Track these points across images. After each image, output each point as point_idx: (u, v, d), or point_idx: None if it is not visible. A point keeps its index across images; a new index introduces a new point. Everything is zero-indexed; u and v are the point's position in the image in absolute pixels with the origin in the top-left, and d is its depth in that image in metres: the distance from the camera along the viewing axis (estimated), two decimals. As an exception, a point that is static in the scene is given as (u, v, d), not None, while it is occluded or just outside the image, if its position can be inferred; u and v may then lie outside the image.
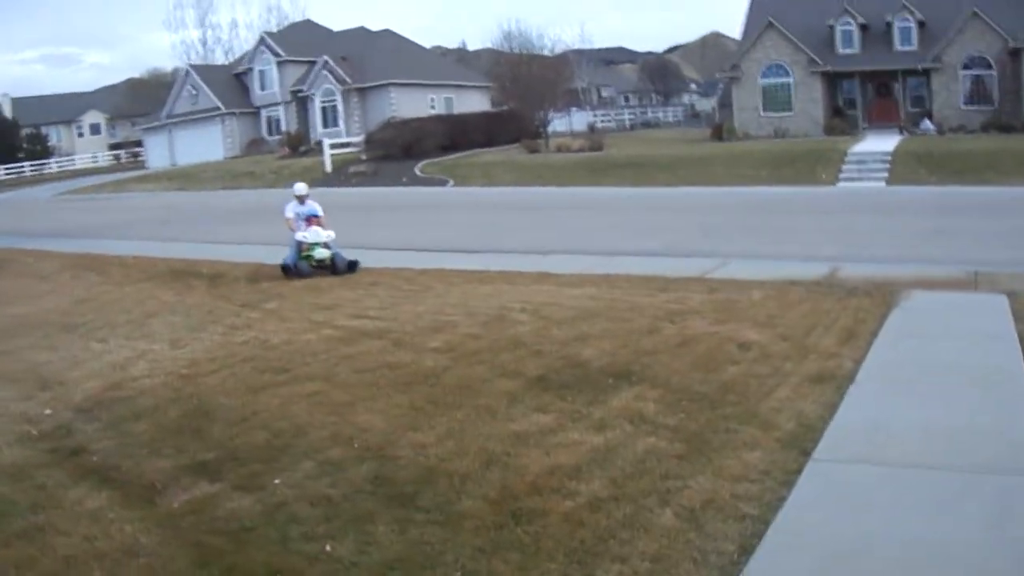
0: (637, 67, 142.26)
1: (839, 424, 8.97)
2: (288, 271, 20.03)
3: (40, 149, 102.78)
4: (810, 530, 6.85)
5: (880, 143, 46.61)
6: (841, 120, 58.56)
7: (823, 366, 10.94)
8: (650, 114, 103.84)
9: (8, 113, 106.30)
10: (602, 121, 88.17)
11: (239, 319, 15.84)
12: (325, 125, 73.50)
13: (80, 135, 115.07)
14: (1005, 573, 6.27)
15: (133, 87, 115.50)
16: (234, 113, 79.40)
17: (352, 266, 20.22)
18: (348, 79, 72.54)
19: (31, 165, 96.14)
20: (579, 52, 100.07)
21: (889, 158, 42.16)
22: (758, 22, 61.83)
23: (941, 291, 15.42)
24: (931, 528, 6.79)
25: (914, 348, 11.92)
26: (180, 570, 6.83)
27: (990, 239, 21.34)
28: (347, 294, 17.58)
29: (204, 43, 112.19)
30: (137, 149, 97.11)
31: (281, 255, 20.73)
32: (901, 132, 53.82)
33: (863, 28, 60.30)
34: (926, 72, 57.83)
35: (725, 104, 71.50)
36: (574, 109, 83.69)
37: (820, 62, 59.44)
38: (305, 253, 20.17)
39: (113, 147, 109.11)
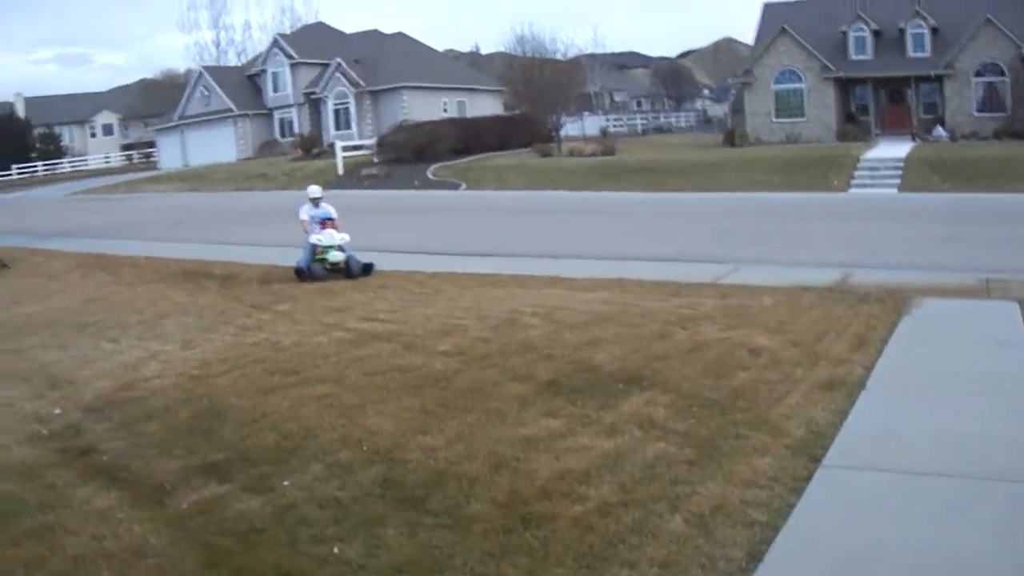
0: (650, 72, 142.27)
1: (849, 431, 8.94)
2: (302, 274, 19.96)
3: (53, 149, 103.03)
4: (820, 537, 6.83)
5: (892, 149, 46.54)
6: (853, 126, 58.49)
7: (834, 372, 10.92)
8: (662, 119, 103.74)
9: (21, 113, 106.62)
10: (614, 126, 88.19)
11: (250, 320, 15.86)
12: (338, 127, 73.60)
13: (93, 135, 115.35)
14: (1015, 582, 6.26)
15: (146, 88, 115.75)
16: (247, 115, 79.52)
17: (367, 269, 20.15)
18: (361, 81, 72.64)
19: (44, 165, 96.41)
20: (592, 56, 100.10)
21: (901, 164, 42.11)
22: (771, 28, 61.80)
23: (953, 298, 15.38)
24: (941, 535, 6.77)
25: (925, 355, 11.88)
26: (189, 571, 6.83)
27: (1002, 246, 21.27)
28: (358, 297, 17.59)
29: (217, 44, 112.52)
30: (149, 150, 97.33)
31: (293, 257, 20.75)
32: (913, 139, 53.72)
33: (876, 34, 60.23)
34: (939, 79, 57.77)
35: (737, 109, 71.52)
36: (586, 113, 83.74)
37: (833, 68, 59.38)
38: (319, 256, 20.08)
39: (126, 148, 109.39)
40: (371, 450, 8.92)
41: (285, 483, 8.23)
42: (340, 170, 56.94)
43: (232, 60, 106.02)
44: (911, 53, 59.28)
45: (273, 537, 7.23)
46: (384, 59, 75.23)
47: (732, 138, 60.41)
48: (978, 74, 56.54)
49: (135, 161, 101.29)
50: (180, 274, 21.61)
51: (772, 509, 7.26)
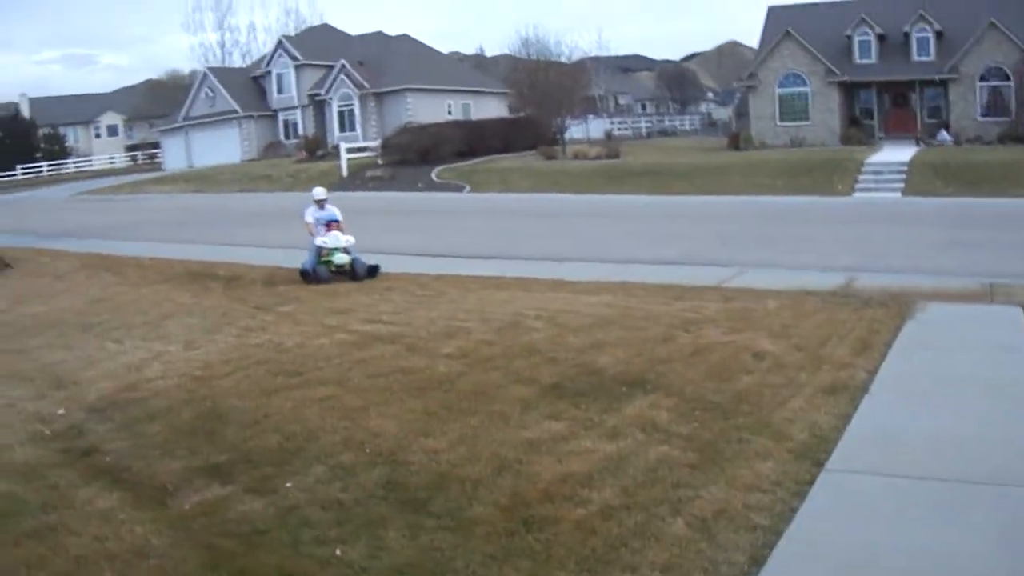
0: (654, 75, 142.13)
1: (852, 435, 8.94)
2: (307, 276, 19.92)
3: (57, 149, 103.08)
4: (822, 541, 6.83)
5: (897, 153, 46.51)
6: (858, 130, 58.46)
7: (837, 377, 10.91)
8: (667, 122, 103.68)
9: (26, 113, 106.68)
10: (619, 128, 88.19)
11: (254, 322, 15.87)
12: (342, 129, 73.62)
13: (97, 136, 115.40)
14: (1018, 587, 6.26)
15: (151, 89, 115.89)
16: (251, 116, 79.58)
17: (373, 271, 20.12)
18: (365, 83, 72.68)
19: (48, 165, 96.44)
20: (596, 59, 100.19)
21: (905, 169, 42.05)
22: (775, 31, 61.77)
23: (956, 303, 15.37)
24: (944, 540, 6.77)
25: (928, 360, 11.88)
26: (191, 572, 6.84)
27: (1006, 251, 21.26)
28: (362, 299, 17.59)
29: (222, 46, 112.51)
30: (154, 151, 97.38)
31: (297, 258, 20.76)
32: (918, 143, 53.66)
33: (880, 38, 60.17)
34: (943, 83, 57.72)
35: (742, 113, 71.45)
36: (591, 116, 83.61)
37: (837, 72, 59.33)
38: (324, 258, 20.02)
39: (130, 148, 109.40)
40: (374, 452, 8.93)
41: (287, 485, 8.24)
42: (344, 172, 56.95)
43: (237, 62, 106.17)
44: (915, 57, 59.23)
45: (275, 539, 7.24)
46: (389, 61, 75.28)
47: (736, 141, 60.37)
48: (982, 78, 56.48)
49: (139, 162, 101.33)
50: (184, 275, 21.63)
51: (774, 513, 7.26)
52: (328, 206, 20.76)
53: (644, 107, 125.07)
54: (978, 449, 8.47)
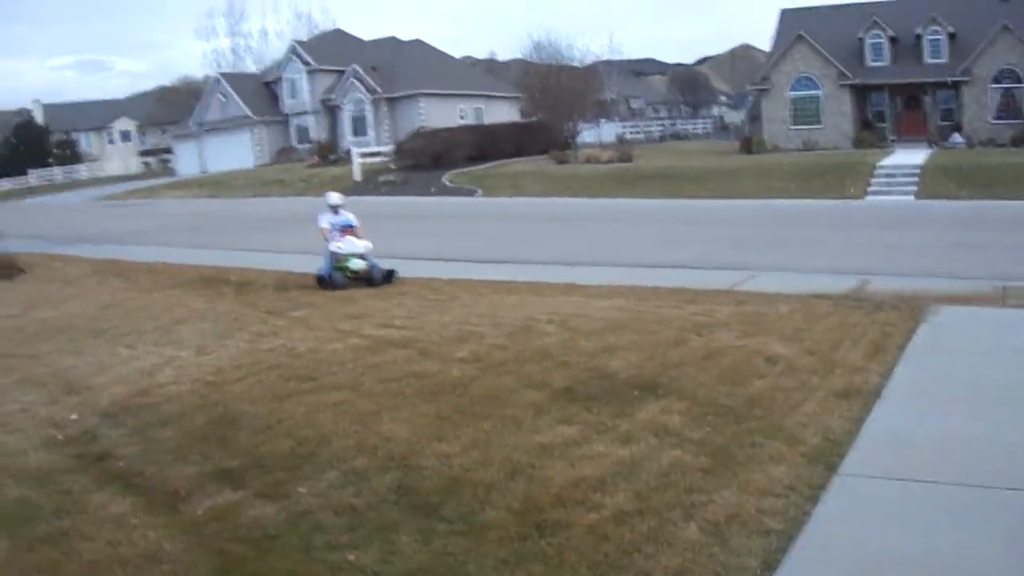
0: (667, 79, 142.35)
1: (866, 439, 8.91)
2: (323, 282, 19.74)
3: (71, 155, 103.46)
4: (835, 545, 6.81)
5: (909, 156, 46.46)
6: (870, 133, 58.43)
7: (850, 380, 10.87)
8: (679, 126, 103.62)
9: (39, 119, 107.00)
10: (631, 132, 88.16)
11: (266, 327, 15.87)
12: (355, 134, 73.80)
13: (111, 142, 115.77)
14: (1032, 592, 6.23)
15: (164, 95, 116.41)
16: (264, 121, 79.81)
17: (389, 276, 19.94)
18: (378, 88, 72.84)
19: (62, 171, 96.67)
20: (608, 63, 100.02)
21: (918, 172, 42.00)
22: (788, 35, 61.82)
23: (969, 306, 15.30)
24: (958, 544, 6.74)
25: (942, 363, 11.84)
26: (203, 577, 6.85)
27: (1019, 253, 21.16)
28: (374, 303, 17.58)
29: (235, 52, 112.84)
30: (167, 156, 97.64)
31: (310, 263, 20.76)
32: (930, 145, 53.61)
33: (893, 41, 60.16)
34: (956, 85, 57.69)
35: (754, 116, 71.41)
36: (603, 120, 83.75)
37: (849, 75, 59.33)
38: (340, 264, 19.81)
39: (143, 154, 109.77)
40: (386, 457, 8.91)
41: (300, 490, 8.23)
42: (357, 176, 57.04)
43: (249, 67, 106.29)
44: (928, 59, 59.21)
45: (287, 544, 7.24)
46: (401, 66, 75.42)
47: (749, 145, 60.40)
48: (995, 81, 56.43)
49: (153, 167, 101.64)
50: (197, 280, 21.63)
51: (788, 517, 7.23)
52: (343, 211, 20.63)
53: (656, 111, 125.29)
54: (991, 452, 8.43)
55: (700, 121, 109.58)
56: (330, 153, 70.47)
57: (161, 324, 16.68)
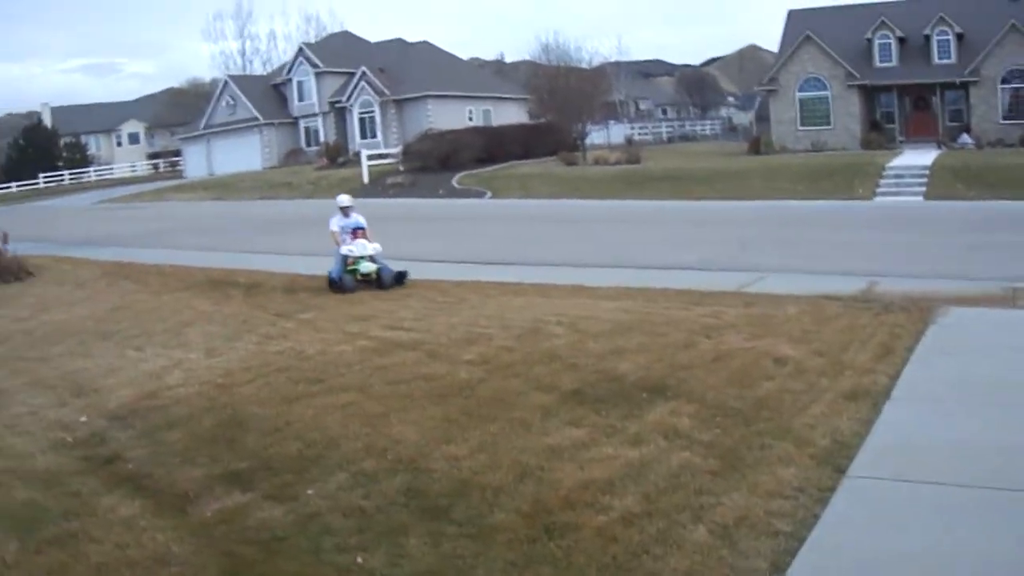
0: (675, 80, 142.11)
1: (874, 441, 8.89)
2: (334, 284, 19.68)
3: (79, 158, 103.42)
4: (844, 547, 6.80)
5: (918, 157, 46.37)
6: (879, 134, 58.32)
7: (858, 382, 10.86)
8: (687, 127, 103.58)
9: (48, 122, 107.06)
10: (639, 134, 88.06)
11: (274, 329, 15.89)
12: (363, 136, 73.76)
13: (119, 144, 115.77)
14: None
15: (172, 97, 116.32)
16: (272, 124, 79.78)
17: (400, 278, 19.87)
18: (386, 90, 72.80)
19: (70, 174, 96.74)
20: (617, 64, 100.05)
21: (927, 172, 41.93)
22: (796, 35, 61.68)
23: (979, 307, 15.27)
24: (967, 546, 6.72)
25: (951, 365, 11.81)
26: (211, 580, 6.86)
27: (1029, 255, 21.15)
28: (382, 305, 17.59)
29: (243, 54, 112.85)
30: (175, 158, 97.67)
31: (318, 266, 20.77)
32: (939, 146, 53.52)
33: (901, 41, 60.05)
34: (964, 86, 57.58)
35: (762, 117, 71.34)
36: (612, 122, 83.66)
37: (858, 75, 59.23)
38: (351, 267, 19.73)
39: (152, 156, 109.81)
40: (395, 459, 8.92)
41: (308, 492, 8.24)
42: (366, 179, 57.02)
43: (258, 69, 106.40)
44: (936, 60, 59.09)
45: (296, 546, 7.25)
46: (409, 68, 75.42)
47: (757, 146, 60.32)
48: (1004, 81, 56.31)
49: (161, 170, 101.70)
50: (205, 283, 21.66)
51: (796, 520, 7.23)
52: (353, 213, 20.59)
53: (665, 112, 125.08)
54: (1000, 454, 8.42)
55: (708, 122, 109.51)
56: (339, 155, 70.43)
57: (170, 327, 16.71)
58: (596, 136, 72.10)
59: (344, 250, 19.86)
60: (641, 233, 29.78)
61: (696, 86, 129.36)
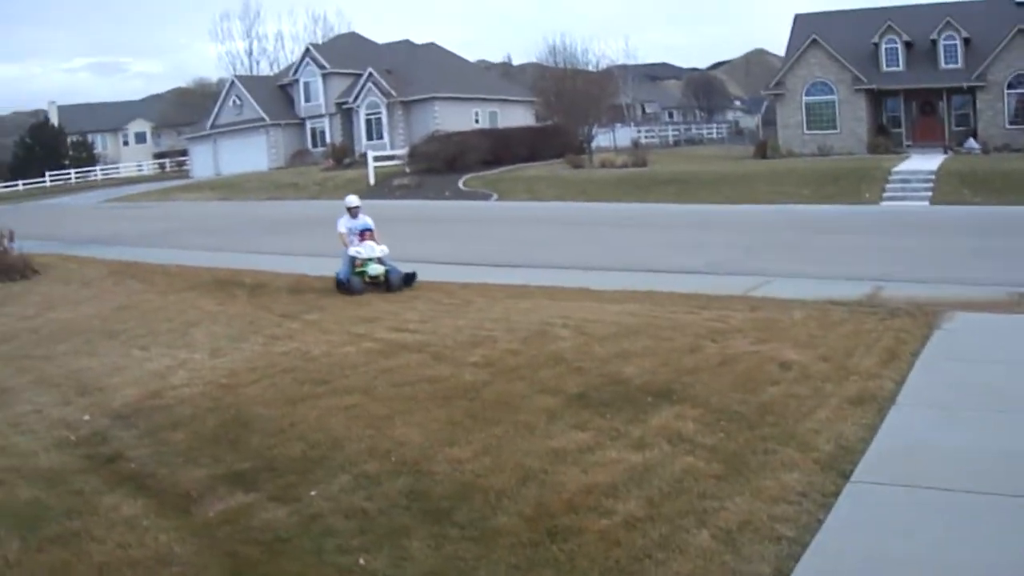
0: (681, 83, 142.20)
1: (879, 446, 8.87)
2: (342, 286, 19.58)
3: (86, 157, 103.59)
4: (848, 553, 6.78)
5: (924, 162, 46.32)
6: (885, 138, 58.26)
7: (864, 387, 10.84)
8: (694, 130, 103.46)
9: (55, 121, 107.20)
10: (646, 137, 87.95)
11: (280, 330, 15.89)
12: (370, 137, 73.84)
13: (125, 143, 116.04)
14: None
15: (179, 97, 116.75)
16: (279, 124, 79.93)
17: (409, 280, 19.79)
18: (393, 92, 72.87)
19: (77, 172, 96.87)
20: (623, 67, 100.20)
21: (933, 177, 41.89)
22: (802, 39, 61.65)
23: (984, 312, 15.24)
24: (971, 553, 6.71)
25: (956, 370, 11.78)
26: (213, 580, 6.85)
27: (1035, 260, 21.13)
28: (388, 307, 17.58)
29: (250, 54, 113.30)
30: (182, 158, 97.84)
31: (324, 266, 20.76)
32: (945, 151, 53.47)
33: (908, 46, 59.99)
34: (971, 90, 57.52)
35: (769, 121, 71.35)
36: (618, 125, 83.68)
37: (864, 80, 59.18)
38: (359, 269, 19.60)
39: (158, 156, 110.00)
40: (398, 461, 8.92)
41: (312, 493, 8.24)
42: (372, 180, 57.04)
43: (264, 70, 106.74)
44: (943, 65, 59.05)
45: (298, 547, 7.24)
46: (416, 69, 75.48)
47: (764, 150, 60.24)
48: (1010, 86, 56.25)
49: (167, 169, 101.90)
50: (211, 283, 21.66)
51: (800, 525, 7.21)
52: (361, 214, 20.51)
53: (671, 115, 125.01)
54: (1006, 460, 8.40)
55: (715, 126, 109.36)
56: (345, 156, 70.52)
57: (175, 326, 16.72)
58: (602, 139, 72.07)
59: (352, 252, 19.72)
60: (647, 236, 29.76)
61: (703, 89, 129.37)
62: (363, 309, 17.44)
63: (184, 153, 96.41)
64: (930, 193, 39.94)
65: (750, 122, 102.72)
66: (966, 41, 58.19)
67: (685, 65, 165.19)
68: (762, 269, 20.55)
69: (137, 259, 27.14)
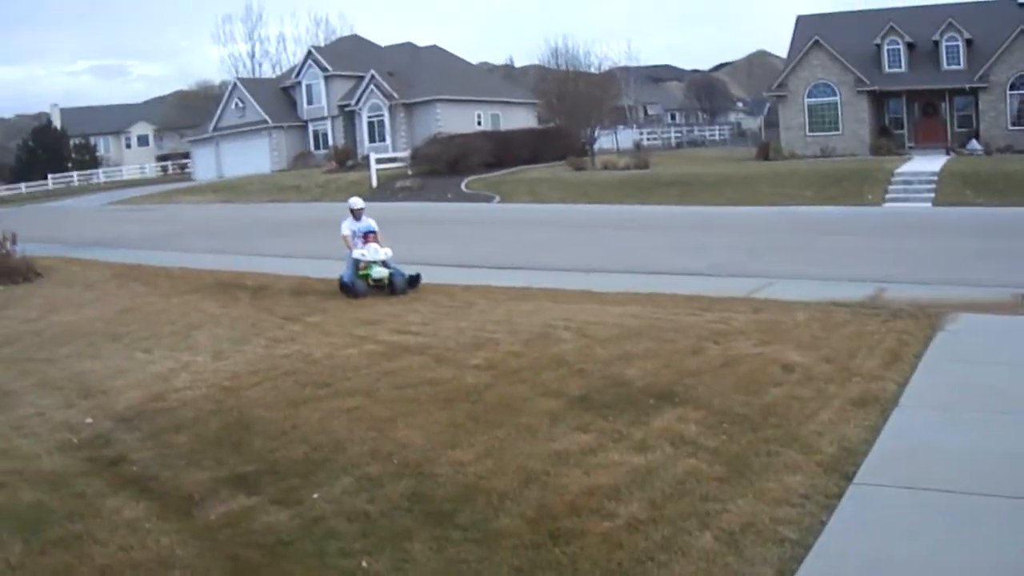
0: (683, 85, 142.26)
1: (882, 448, 8.86)
2: (347, 289, 19.53)
3: (88, 159, 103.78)
4: (851, 555, 6.77)
5: (927, 163, 46.25)
6: (888, 140, 58.20)
7: (866, 389, 10.83)
8: (696, 132, 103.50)
9: (57, 123, 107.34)
10: (648, 139, 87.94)
11: (282, 332, 15.89)
12: (372, 140, 73.88)
13: (128, 146, 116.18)
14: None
15: (181, 99, 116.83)
16: (281, 127, 79.95)
17: (414, 281, 19.75)
18: (395, 94, 72.88)
19: (79, 175, 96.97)
20: (626, 69, 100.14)
21: (935, 178, 41.83)
22: (805, 41, 61.60)
23: (987, 314, 15.23)
24: (974, 555, 6.70)
25: (959, 372, 11.77)
26: (216, 583, 6.85)
27: (1038, 262, 21.11)
28: (390, 309, 17.58)
29: (252, 56, 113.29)
30: (184, 161, 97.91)
31: (326, 269, 20.78)
32: (948, 152, 53.40)
33: (910, 47, 59.95)
34: (973, 91, 57.50)
35: (771, 123, 71.29)
36: (620, 127, 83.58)
37: (867, 81, 59.13)
38: (363, 272, 19.50)
39: (160, 158, 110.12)
40: (400, 463, 8.91)
41: (314, 496, 8.23)
42: (374, 182, 57.04)
43: (267, 72, 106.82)
44: (945, 66, 59.01)
45: (300, 550, 7.24)
46: (418, 72, 75.50)
47: (766, 152, 60.21)
48: (1013, 87, 56.21)
49: (170, 172, 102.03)
50: (214, 285, 21.66)
51: (803, 527, 7.20)
52: (365, 216, 20.40)
53: (673, 117, 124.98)
54: (1009, 462, 8.39)
55: (717, 127, 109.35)
56: (347, 159, 70.55)
57: (178, 329, 16.72)
58: (605, 141, 71.97)
59: (356, 254, 19.65)
60: (650, 238, 29.75)
61: (705, 91, 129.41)
62: (365, 311, 17.44)
63: (186, 155, 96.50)
64: (933, 194, 39.89)
65: (752, 124, 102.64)
66: (968, 42, 58.14)
67: (687, 67, 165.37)
68: (764, 271, 20.55)
69: (140, 262, 27.17)
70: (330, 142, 77.70)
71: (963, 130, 58.62)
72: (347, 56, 79.92)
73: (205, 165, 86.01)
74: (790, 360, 12.19)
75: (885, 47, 60.36)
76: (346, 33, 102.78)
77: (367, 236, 19.90)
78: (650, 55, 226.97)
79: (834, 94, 60.24)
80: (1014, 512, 7.38)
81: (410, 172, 59.02)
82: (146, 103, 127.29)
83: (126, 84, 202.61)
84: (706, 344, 13.35)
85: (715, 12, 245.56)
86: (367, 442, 9.57)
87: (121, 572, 7.01)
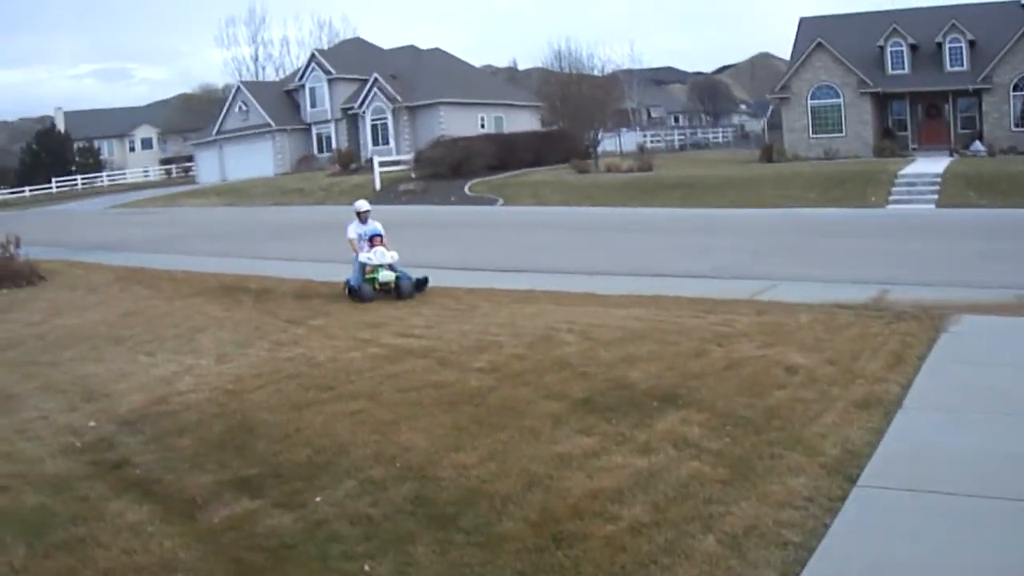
0: (687, 87, 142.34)
1: (885, 450, 8.85)
2: (353, 293, 19.42)
3: (92, 162, 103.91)
4: (854, 558, 6.76)
5: (930, 165, 46.24)
6: (891, 141, 58.18)
7: (870, 391, 10.82)
8: (700, 135, 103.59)
9: (61, 127, 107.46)
10: (652, 141, 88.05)
11: (285, 335, 15.88)
12: (375, 143, 73.90)
13: (132, 149, 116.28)
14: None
15: (185, 102, 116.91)
16: (284, 130, 79.99)
17: (421, 285, 19.63)
18: (398, 97, 72.91)
19: (83, 178, 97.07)
20: (629, 72, 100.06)
21: (939, 180, 41.82)
22: (807, 43, 61.58)
23: (991, 315, 15.22)
24: (977, 557, 6.69)
25: (963, 373, 11.76)
26: (219, 586, 6.85)
27: (1042, 263, 21.09)
28: (394, 312, 17.58)
29: (255, 60, 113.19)
30: (188, 164, 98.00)
31: (330, 271, 20.80)
32: (951, 154, 53.34)
33: (913, 48, 59.94)
34: (977, 93, 57.47)
35: (775, 125, 71.40)
36: (624, 129, 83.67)
37: (870, 83, 59.11)
38: (369, 275, 19.44)
39: (164, 161, 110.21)
40: (404, 467, 8.91)
41: (317, 499, 8.23)
42: (378, 185, 57.08)
43: (270, 75, 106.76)
44: (948, 67, 58.99)
45: (304, 553, 7.23)
46: (421, 75, 75.54)
47: (769, 154, 60.21)
48: (1016, 88, 56.18)
49: (173, 175, 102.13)
50: (217, 288, 21.67)
51: (806, 530, 7.19)
52: (370, 220, 20.33)
53: (677, 120, 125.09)
54: (1013, 464, 8.37)
55: (720, 130, 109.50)
56: (351, 162, 70.52)
57: (181, 332, 16.72)
58: (608, 144, 72.09)
59: (363, 258, 19.58)
60: (653, 241, 29.76)
61: (708, 94, 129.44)
62: (369, 314, 17.44)
63: (190, 159, 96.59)
64: (936, 196, 39.88)
65: (756, 126, 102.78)
66: (971, 44, 58.13)
67: (690, 69, 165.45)
68: (768, 273, 20.53)
69: (143, 265, 27.18)
70: (333, 145, 77.73)
71: (966, 132, 58.60)
72: (350, 59, 79.95)
73: (208, 168, 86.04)
74: (793, 362, 12.18)
75: (888, 49, 60.36)
76: (349, 36, 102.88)
77: (373, 239, 19.81)
78: (653, 57, 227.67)
79: (837, 96, 60.24)
80: (1017, 514, 7.37)
81: (413, 175, 59.06)
82: (149, 106, 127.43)
83: (129, 87, 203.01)
84: (709, 346, 13.34)
85: (718, 14, 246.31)
86: (370, 445, 9.56)
87: (124, 575, 7.02)
